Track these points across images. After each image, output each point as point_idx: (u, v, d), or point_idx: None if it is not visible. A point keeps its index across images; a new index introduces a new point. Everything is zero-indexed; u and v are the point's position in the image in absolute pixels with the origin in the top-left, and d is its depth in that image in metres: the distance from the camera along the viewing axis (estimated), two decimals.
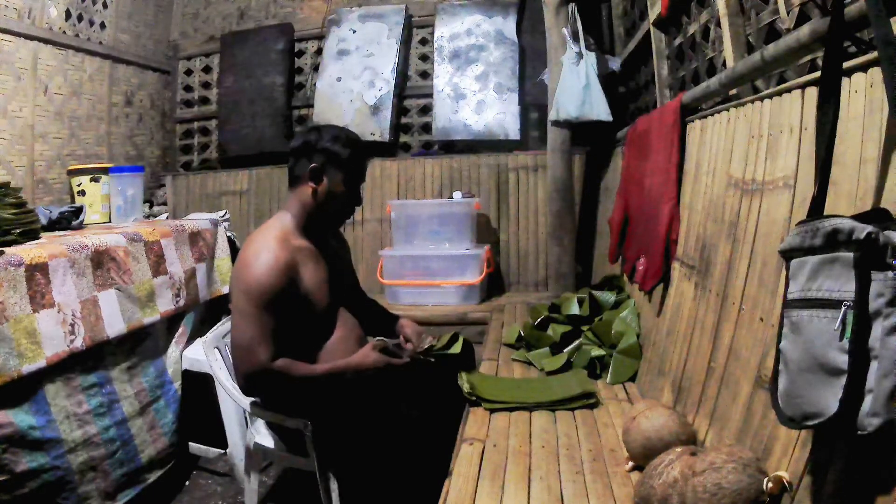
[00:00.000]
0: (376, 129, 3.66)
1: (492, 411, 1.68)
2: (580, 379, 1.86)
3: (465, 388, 1.76)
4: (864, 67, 0.91)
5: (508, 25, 3.67)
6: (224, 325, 1.87)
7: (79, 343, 1.83)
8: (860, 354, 0.72)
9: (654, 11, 2.26)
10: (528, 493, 1.25)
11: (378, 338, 1.69)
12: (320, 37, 3.95)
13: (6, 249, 1.72)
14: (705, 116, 1.68)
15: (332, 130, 1.66)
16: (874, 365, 0.71)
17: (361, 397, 1.61)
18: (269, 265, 1.50)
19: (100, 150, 3.48)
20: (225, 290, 2.61)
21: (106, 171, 2.73)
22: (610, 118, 2.79)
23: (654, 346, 1.83)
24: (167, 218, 3.04)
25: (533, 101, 3.54)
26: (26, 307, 1.68)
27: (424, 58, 3.88)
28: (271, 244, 1.54)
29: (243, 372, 1.52)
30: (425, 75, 3.85)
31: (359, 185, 1.69)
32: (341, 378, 1.57)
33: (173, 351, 2.27)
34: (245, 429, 1.93)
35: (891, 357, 0.70)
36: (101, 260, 1.97)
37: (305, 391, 1.58)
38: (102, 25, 3.48)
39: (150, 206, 3.56)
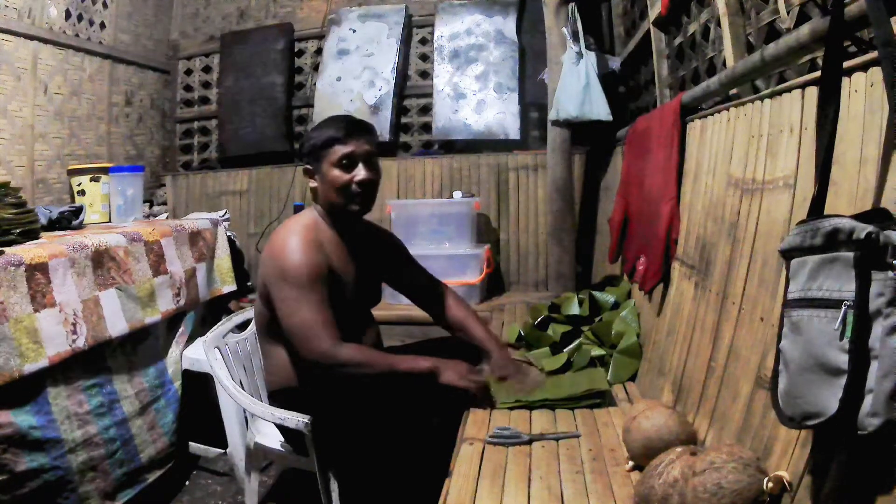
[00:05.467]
0: (376, 128, 3.66)
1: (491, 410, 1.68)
2: (592, 377, 1.84)
3: None
4: (864, 67, 0.91)
5: (508, 25, 3.66)
6: (224, 325, 1.87)
7: (81, 342, 1.83)
8: (860, 354, 0.72)
9: (654, 11, 2.26)
10: (528, 492, 1.25)
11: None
12: (320, 36, 3.95)
13: (6, 249, 1.72)
14: (705, 116, 1.68)
15: (317, 125, 1.67)
16: (874, 365, 0.71)
17: (367, 397, 1.60)
18: (300, 245, 1.49)
19: (100, 150, 3.48)
20: (225, 289, 2.60)
21: (106, 170, 2.73)
22: (610, 118, 2.79)
23: (654, 346, 1.83)
24: (167, 218, 3.04)
25: (533, 101, 3.54)
26: (27, 307, 1.68)
27: (424, 57, 3.88)
28: (297, 229, 1.54)
29: (308, 363, 1.46)
30: (425, 75, 3.84)
31: (351, 165, 1.60)
32: (416, 375, 1.48)
33: (173, 351, 2.27)
34: (245, 429, 1.93)
35: (891, 357, 0.70)
36: (101, 260, 1.97)
37: (376, 380, 1.50)
38: (102, 25, 3.48)
39: (150, 206, 3.56)
